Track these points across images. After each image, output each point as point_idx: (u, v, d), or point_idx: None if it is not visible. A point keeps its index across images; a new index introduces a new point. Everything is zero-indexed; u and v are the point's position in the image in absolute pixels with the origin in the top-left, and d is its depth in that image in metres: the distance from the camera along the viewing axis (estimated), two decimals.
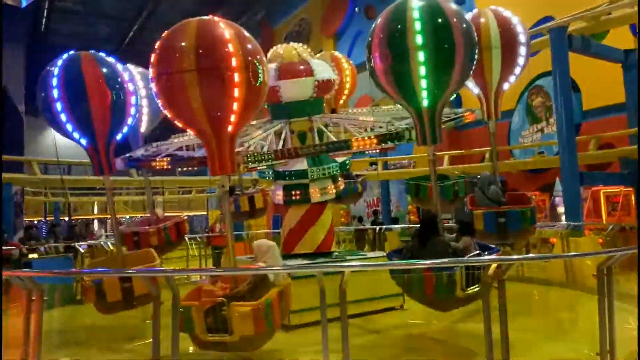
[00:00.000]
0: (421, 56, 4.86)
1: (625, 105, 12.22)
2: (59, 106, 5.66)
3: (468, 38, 5.03)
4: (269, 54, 7.42)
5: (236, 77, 4.45)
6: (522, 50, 6.59)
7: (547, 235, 10.86)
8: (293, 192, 7.48)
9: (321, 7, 25.07)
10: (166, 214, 9.09)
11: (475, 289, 4.72)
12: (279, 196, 7.67)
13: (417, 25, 4.84)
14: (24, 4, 19.45)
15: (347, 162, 7.95)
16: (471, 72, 5.49)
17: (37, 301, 4.15)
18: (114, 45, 28.45)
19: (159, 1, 24.64)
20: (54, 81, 5.66)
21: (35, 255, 10.46)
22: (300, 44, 7.98)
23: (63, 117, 5.70)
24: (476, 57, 5.37)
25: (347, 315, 4.25)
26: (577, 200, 10.64)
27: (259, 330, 4.33)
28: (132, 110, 6.17)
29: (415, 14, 4.88)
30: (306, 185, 7.47)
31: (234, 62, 4.44)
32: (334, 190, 7.66)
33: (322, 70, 7.52)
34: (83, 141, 5.92)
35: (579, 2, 11.83)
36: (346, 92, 8.80)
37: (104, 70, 5.83)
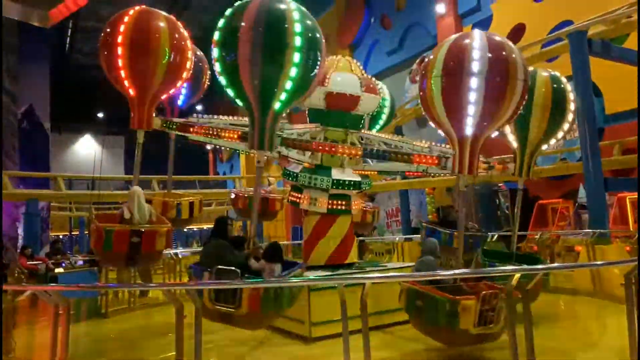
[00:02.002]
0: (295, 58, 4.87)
1: None
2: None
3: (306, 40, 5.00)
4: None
5: None
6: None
7: (572, 244, 10.62)
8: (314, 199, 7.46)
9: (337, 19, 25.27)
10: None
11: None
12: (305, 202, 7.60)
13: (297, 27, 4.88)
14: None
15: (364, 183, 7.70)
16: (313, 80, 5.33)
17: (63, 315, 4.24)
18: None
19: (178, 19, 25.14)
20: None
21: (61, 270, 10.68)
22: (346, 58, 8.09)
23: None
24: (318, 62, 5.24)
25: (368, 327, 4.22)
26: (603, 207, 10.38)
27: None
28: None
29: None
30: (347, 196, 7.52)
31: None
32: (326, 205, 7.42)
33: (339, 82, 7.44)
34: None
35: (598, 6, 11.68)
36: None
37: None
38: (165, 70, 6.02)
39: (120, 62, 5.95)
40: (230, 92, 5.21)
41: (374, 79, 8.22)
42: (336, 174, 7.48)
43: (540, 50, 12.22)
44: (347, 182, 7.41)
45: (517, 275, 3.92)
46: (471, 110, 5.00)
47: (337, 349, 4.61)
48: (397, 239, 14.17)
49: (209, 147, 8.00)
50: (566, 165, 13.89)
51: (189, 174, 20.01)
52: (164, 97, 6.62)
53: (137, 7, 6.19)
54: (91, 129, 37.39)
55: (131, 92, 6.18)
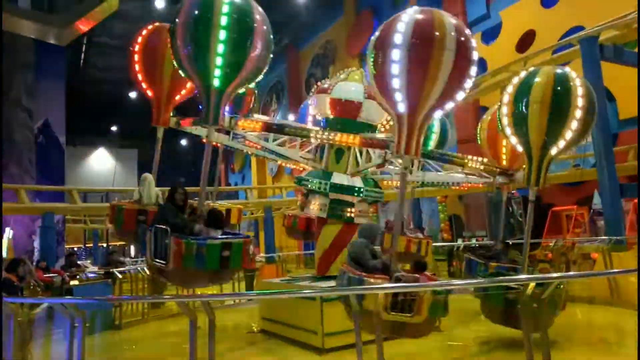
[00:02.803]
0: (221, 35, 5.01)
1: None
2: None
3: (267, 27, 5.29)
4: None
5: None
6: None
7: (588, 251, 10.44)
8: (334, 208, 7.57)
9: (346, 29, 25.45)
10: None
11: None
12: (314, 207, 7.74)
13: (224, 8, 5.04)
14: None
15: (368, 191, 7.68)
16: (266, 62, 5.49)
17: (79, 327, 4.28)
18: None
19: None
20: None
21: (76, 282, 10.77)
22: (360, 70, 8.39)
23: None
24: (272, 47, 5.45)
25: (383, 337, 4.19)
26: (618, 213, 10.23)
27: None
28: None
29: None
30: (350, 203, 7.56)
31: None
32: (326, 210, 7.59)
33: (341, 90, 7.74)
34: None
35: (609, 11, 11.60)
36: None
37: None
38: (171, 75, 6.51)
39: (137, 67, 6.61)
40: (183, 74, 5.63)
41: None
42: (336, 178, 7.56)
43: (551, 56, 12.17)
44: (345, 187, 7.46)
45: (532, 285, 3.87)
46: (396, 83, 4.78)
47: (351, 359, 4.58)
48: None
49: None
50: (580, 171, 13.73)
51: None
52: (178, 98, 6.92)
53: (155, 24, 6.80)
54: (105, 142, 37.95)
55: (149, 93, 6.78)
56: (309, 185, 7.65)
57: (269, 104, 32.05)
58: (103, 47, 27.71)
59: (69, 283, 10.60)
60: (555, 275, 4.57)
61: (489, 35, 18.23)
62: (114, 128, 37.04)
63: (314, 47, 28.58)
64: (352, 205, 7.60)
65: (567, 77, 5.83)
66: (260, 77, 5.77)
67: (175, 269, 5.01)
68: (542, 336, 3.74)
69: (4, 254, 14.51)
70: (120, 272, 10.14)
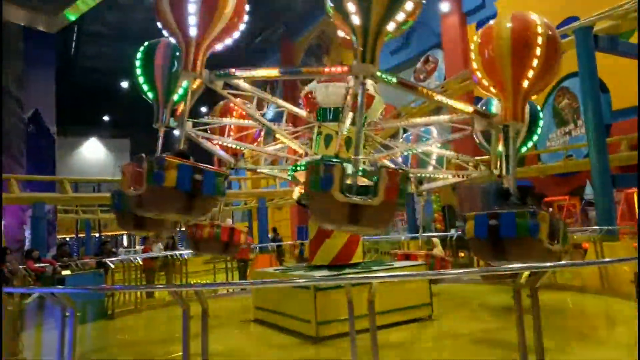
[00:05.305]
0: None
1: None
2: None
3: None
4: None
5: None
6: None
7: (579, 241, 10.52)
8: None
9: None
10: None
11: None
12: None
13: None
14: (70, 18, 20.38)
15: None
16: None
17: (70, 317, 4.24)
18: None
19: None
20: None
21: (68, 272, 10.72)
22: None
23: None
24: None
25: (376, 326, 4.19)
26: (610, 203, 10.29)
27: None
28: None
29: None
30: None
31: None
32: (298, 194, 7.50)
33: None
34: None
35: (605, 1, 11.58)
36: None
37: None
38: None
39: None
40: None
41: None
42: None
43: None
44: None
45: (526, 273, 3.87)
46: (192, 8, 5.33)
47: (345, 348, 4.59)
48: (402, 237, 14.13)
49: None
50: (572, 162, 13.80)
51: None
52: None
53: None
54: (97, 132, 37.56)
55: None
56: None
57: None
58: (95, 36, 27.32)
59: (60, 273, 10.55)
60: (548, 264, 4.58)
61: (484, 26, 18.16)
62: (105, 118, 36.65)
63: (308, 37, 28.36)
64: None
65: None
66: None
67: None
68: (535, 329, 3.76)
69: None
70: (112, 262, 10.10)
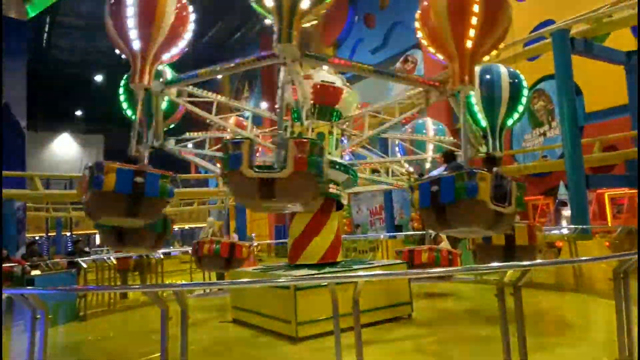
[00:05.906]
0: None
1: (628, 107, 12.18)
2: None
3: None
4: None
5: None
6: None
7: (553, 239, 10.72)
8: None
9: (321, 17, 25.16)
10: None
11: None
12: None
13: None
14: (30, 14, 19.60)
15: (350, 168, 7.63)
16: None
17: (41, 318, 4.06)
18: (113, 59, 28.58)
19: None
20: None
21: (37, 272, 10.36)
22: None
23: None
24: None
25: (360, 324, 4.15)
26: (584, 203, 10.54)
27: None
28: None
29: None
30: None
31: None
32: None
33: (323, 76, 7.68)
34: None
35: (580, 5, 11.84)
36: None
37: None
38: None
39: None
40: None
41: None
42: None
43: (523, 48, 12.34)
44: (337, 163, 7.22)
45: (510, 272, 3.90)
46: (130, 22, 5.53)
47: (325, 348, 4.53)
48: (381, 236, 14.17)
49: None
50: (547, 162, 14.09)
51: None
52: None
53: None
54: (69, 127, 36.54)
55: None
56: None
57: (241, 92, 31.52)
58: (67, 28, 26.57)
59: (29, 273, 10.19)
60: (527, 263, 4.63)
61: None
62: (78, 112, 35.70)
63: None
64: (337, 183, 7.47)
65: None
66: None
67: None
68: (518, 326, 3.78)
69: None
70: (85, 262, 9.79)
